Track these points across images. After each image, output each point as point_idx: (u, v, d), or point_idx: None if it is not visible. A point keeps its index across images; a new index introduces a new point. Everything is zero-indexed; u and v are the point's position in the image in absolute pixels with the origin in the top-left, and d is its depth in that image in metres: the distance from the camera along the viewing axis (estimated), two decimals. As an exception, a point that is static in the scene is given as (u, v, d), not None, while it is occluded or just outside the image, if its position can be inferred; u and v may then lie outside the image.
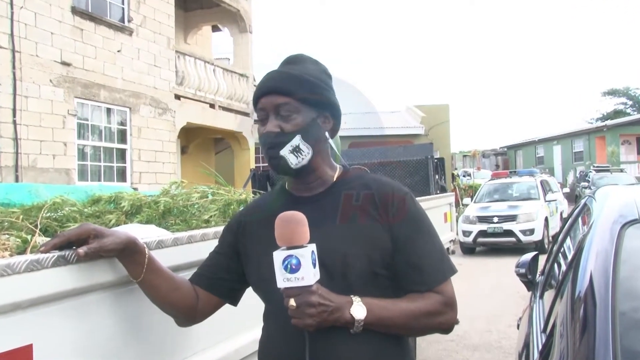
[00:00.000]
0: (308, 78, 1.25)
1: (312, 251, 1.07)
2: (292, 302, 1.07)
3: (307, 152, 1.24)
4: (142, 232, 1.66)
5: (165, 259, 1.45)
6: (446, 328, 1.24)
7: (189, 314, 1.33)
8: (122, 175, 9.35)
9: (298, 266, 1.05)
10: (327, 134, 1.29)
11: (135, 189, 4.48)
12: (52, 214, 2.02)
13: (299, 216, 1.09)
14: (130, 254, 1.22)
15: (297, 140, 1.22)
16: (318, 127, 1.27)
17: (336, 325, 1.12)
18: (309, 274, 1.05)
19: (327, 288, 1.12)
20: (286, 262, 1.05)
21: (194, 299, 1.32)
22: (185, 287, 1.32)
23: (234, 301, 1.39)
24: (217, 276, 1.33)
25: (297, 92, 1.23)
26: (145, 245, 1.25)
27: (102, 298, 1.28)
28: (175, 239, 1.54)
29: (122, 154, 9.39)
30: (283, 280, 1.06)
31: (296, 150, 1.23)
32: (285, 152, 1.22)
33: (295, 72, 1.26)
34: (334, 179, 1.31)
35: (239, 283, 1.36)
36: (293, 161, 1.23)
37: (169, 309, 1.31)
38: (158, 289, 1.27)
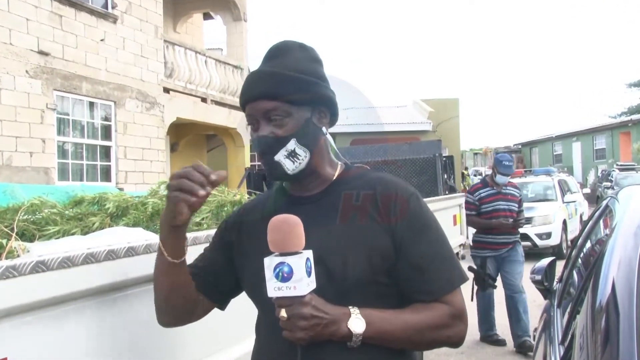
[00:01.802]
0: (294, 76, 1.22)
1: (307, 258, 1.06)
2: (283, 313, 1.07)
3: (304, 156, 1.23)
4: (129, 236, 1.65)
5: (153, 264, 1.44)
6: (455, 342, 1.23)
7: (188, 312, 1.32)
8: (106, 175, 9.35)
9: (290, 274, 1.04)
10: (324, 129, 1.28)
11: (120, 189, 4.47)
12: (30, 216, 2.02)
13: (294, 220, 1.08)
14: (185, 229, 1.22)
15: (292, 144, 1.22)
16: (314, 126, 1.25)
17: (332, 339, 1.11)
18: (302, 283, 1.04)
19: (323, 293, 1.11)
20: (277, 270, 1.04)
21: (198, 298, 1.32)
22: (192, 284, 1.31)
23: (224, 305, 1.39)
24: (213, 278, 1.33)
25: (285, 94, 1.20)
26: None
27: (83, 307, 1.28)
28: (163, 243, 1.54)
29: (106, 152, 9.39)
30: (274, 289, 1.05)
31: (292, 155, 1.22)
32: (280, 157, 1.22)
33: (280, 71, 1.22)
34: (334, 177, 1.31)
35: (234, 287, 1.35)
36: (289, 167, 1.22)
37: (177, 303, 1.29)
38: (184, 278, 1.27)
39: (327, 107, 1.28)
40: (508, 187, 5.46)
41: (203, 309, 1.35)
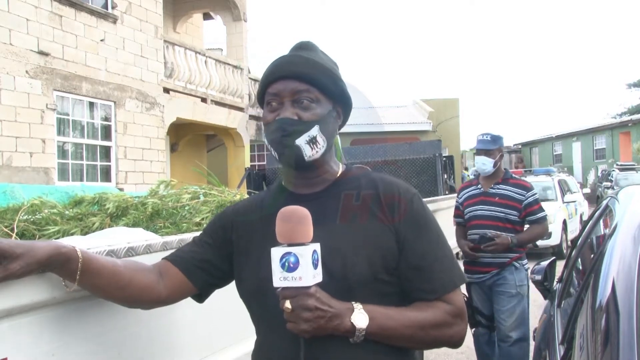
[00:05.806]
0: (330, 67, 1.28)
1: (314, 250, 1.07)
2: (287, 304, 1.07)
3: (322, 145, 1.25)
4: (129, 236, 1.65)
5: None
6: (456, 341, 1.23)
7: (143, 304, 1.29)
8: (106, 175, 9.35)
9: (296, 265, 1.04)
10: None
11: (120, 189, 4.49)
12: (30, 216, 2.02)
13: (302, 212, 1.09)
14: (58, 266, 1.12)
15: (315, 130, 1.23)
16: (333, 120, 1.29)
17: (335, 333, 1.12)
18: (308, 275, 1.05)
19: (326, 290, 1.11)
20: (284, 260, 1.05)
21: (150, 290, 1.26)
22: (138, 280, 1.24)
23: (203, 298, 1.38)
24: (202, 266, 1.32)
25: (320, 80, 1.24)
26: (77, 249, 1.14)
27: (83, 308, 1.28)
28: (164, 243, 1.54)
29: (106, 152, 9.39)
30: (279, 279, 1.06)
31: (313, 141, 1.23)
32: (301, 141, 1.21)
33: (317, 59, 1.26)
34: (336, 177, 1.32)
35: (218, 280, 1.36)
36: (308, 152, 1.23)
37: (117, 302, 1.27)
38: (100, 290, 1.21)
39: (343, 108, 1.33)
40: (502, 185, 3.63)
41: (177, 296, 1.31)
